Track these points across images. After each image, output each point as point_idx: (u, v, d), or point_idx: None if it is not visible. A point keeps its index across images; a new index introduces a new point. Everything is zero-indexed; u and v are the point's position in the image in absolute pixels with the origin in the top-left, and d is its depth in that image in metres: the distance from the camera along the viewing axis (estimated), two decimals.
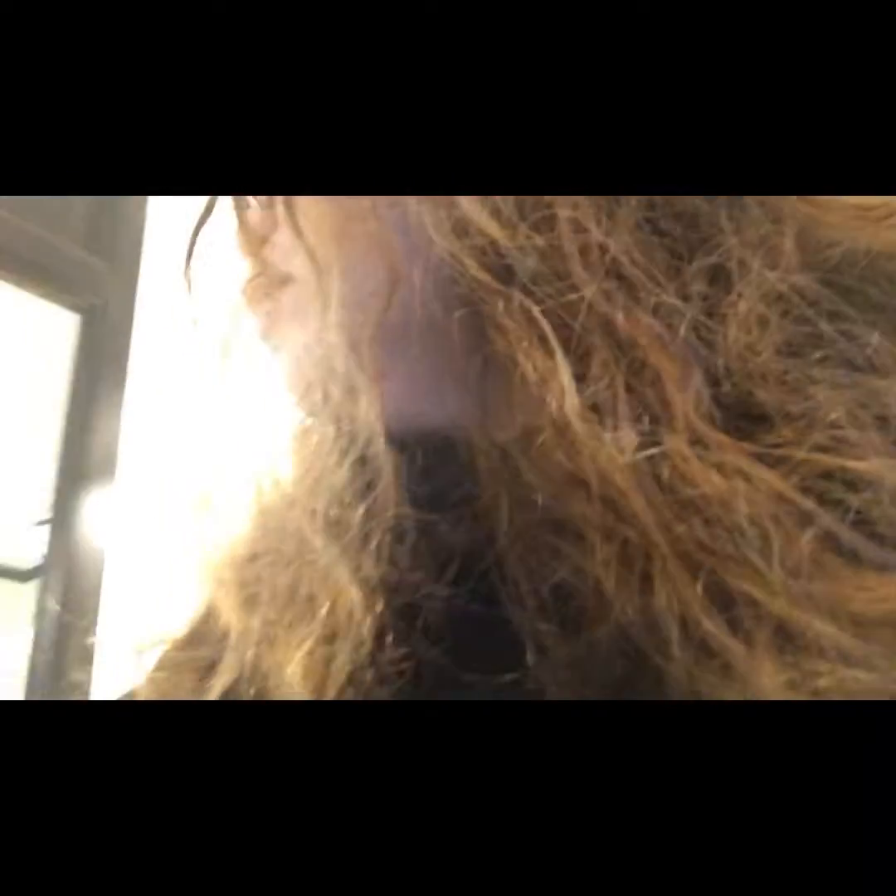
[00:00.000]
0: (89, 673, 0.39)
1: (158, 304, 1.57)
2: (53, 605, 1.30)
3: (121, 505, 1.41)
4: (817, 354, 0.22)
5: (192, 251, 0.33)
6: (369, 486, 0.24)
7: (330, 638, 0.23)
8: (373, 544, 0.23)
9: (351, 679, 0.22)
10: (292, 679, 0.22)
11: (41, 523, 1.40)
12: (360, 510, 0.24)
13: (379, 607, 0.23)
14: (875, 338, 0.22)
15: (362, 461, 0.25)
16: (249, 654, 0.25)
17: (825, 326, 0.22)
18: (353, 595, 0.23)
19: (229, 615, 0.27)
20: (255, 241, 0.32)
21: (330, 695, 0.22)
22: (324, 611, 0.23)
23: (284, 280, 0.32)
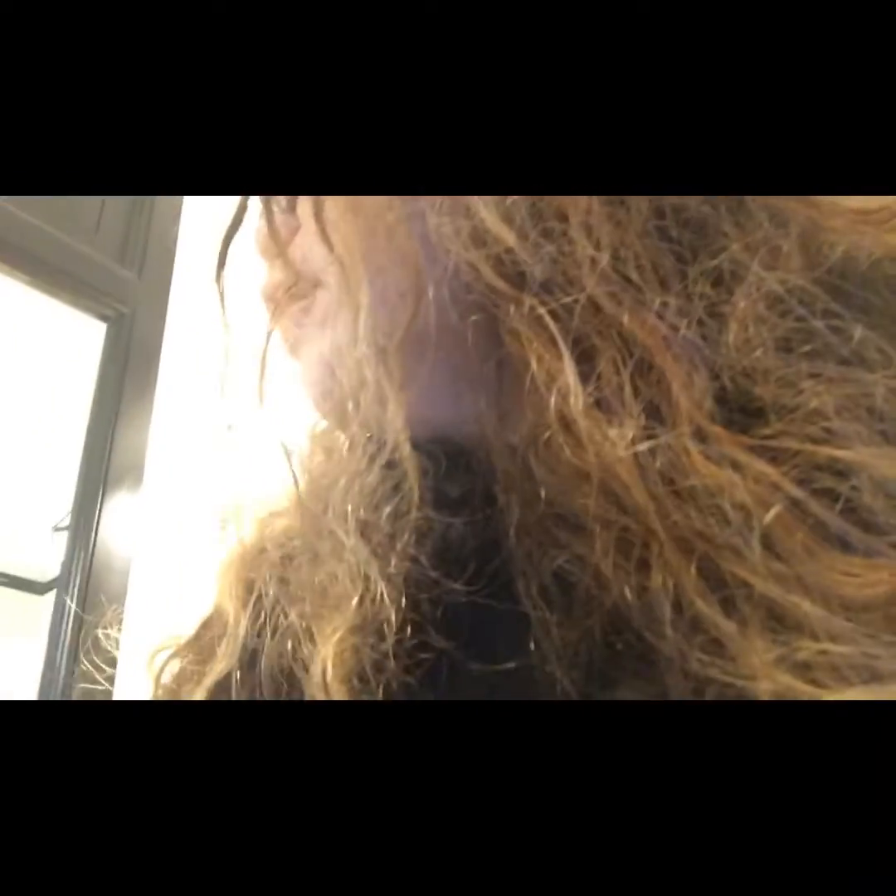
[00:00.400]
0: (105, 681, 0.38)
1: (187, 314, 1.57)
2: (72, 610, 1.28)
3: (145, 514, 1.40)
4: (810, 351, 0.22)
5: (224, 259, 0.34)
6: (396, 489, 0.26)
7: (359, 629, 0.24)
8: (399, 544, 0.25)
9: (376, 667, 0.24)
10: (324, 665, 0.24)
11: (59, 529, 1.38)
12: (387, 511, 0.26)
13: (403, 602, 0.24)
14: (858, 331, 0.22)
15: (389, 465, 0.26)
16: (244, 646, 0.27)
17: (819, 324, 0.23)
18: (382, 590, 0.24)
19: (228, 608, 0.29)
20: (281, 244, 0.32)
21: (356, 682, 0.23)
22: (354, 604, 0.24)
23: (312, 287, 0.32)
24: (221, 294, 0.34)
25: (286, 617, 0.26)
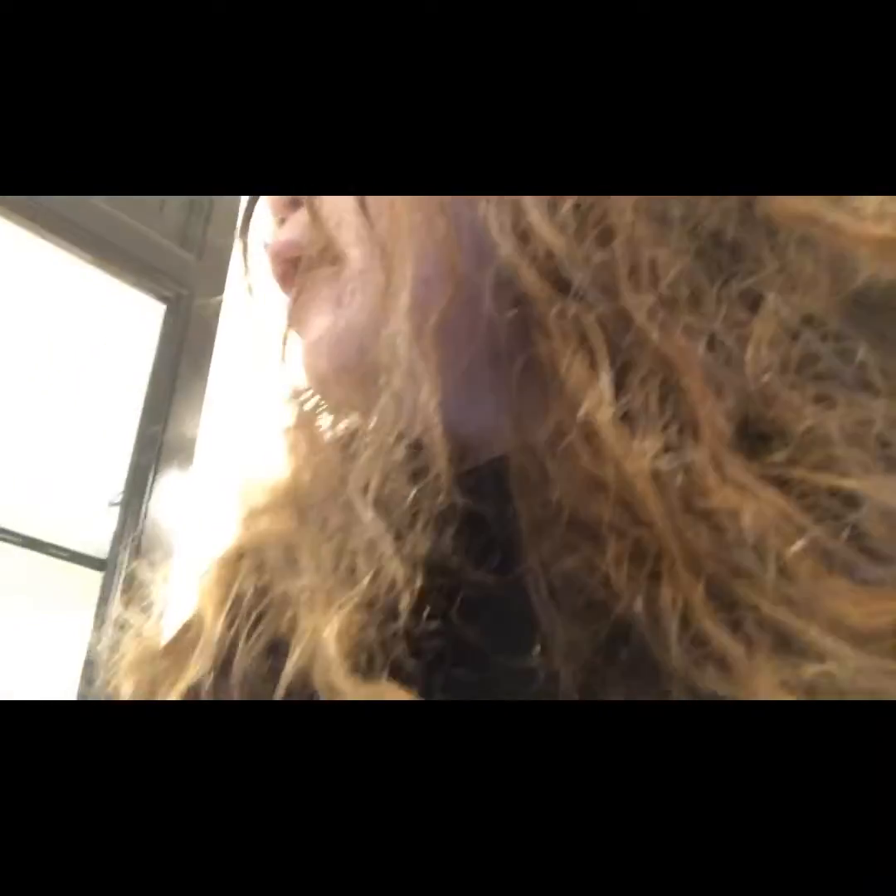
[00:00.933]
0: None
1: (244, 298, 1.59)
2: (122, 579, 1.30)
3: (195, 492, 1.41)
4: (820, 376, 0.23)
5: (251, 214, 0.35)
6: (419, 472, 0.26)
7: (368, 606, 0.24)
8: (419, 525, 0.25)
9: (383, 646, 0.23)
10: (327, 641, 0.23)
11: (114, 504, 1.41)
12: (412, 492, 0.25)
13: (418, 584, 0.24)
14: (861, 351, 0.22)
15: (418, 446, 0.26)
16: (217, 653, 0.27)
17: (830, 351, 0.23)
18: (395, 569, 0.24)
19: (205, 614, 0.29)
20: (315, 211, 0.32)
21: (360, 660, 0.23)
22: (365, 580, 0.24)
23: (337, 256, 0.32)
24: (244, 249, 0.35)
25: (291, 584, 0.26)
